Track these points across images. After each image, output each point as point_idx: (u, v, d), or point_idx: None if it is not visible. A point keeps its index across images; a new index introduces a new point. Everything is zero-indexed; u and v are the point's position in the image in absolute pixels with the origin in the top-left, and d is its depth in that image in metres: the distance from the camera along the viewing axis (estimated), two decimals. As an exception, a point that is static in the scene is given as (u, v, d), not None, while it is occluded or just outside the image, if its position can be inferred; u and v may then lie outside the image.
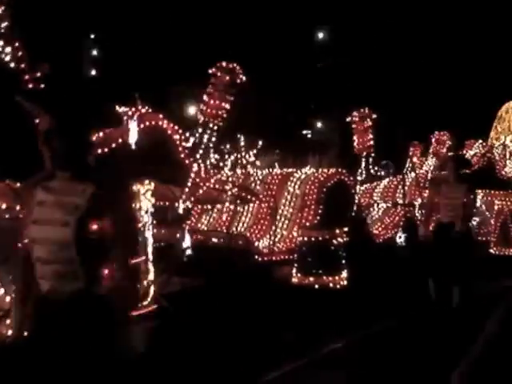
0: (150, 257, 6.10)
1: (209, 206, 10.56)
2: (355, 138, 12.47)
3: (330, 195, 9.48)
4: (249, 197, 8.86)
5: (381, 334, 6.15)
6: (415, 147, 18.06)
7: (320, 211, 9.31)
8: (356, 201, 10.31)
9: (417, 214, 11.72)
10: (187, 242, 7.55)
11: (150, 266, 6.10)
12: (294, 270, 8.44)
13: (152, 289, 6.09)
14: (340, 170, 9.99)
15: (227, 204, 9.58)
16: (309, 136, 25.90)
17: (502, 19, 20.55)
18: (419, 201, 11.78)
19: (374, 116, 12.33)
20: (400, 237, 10.99)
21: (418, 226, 11.52)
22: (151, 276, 6.15)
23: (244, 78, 9.11)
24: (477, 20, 20.60)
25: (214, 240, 8.47)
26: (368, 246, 9.86)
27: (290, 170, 10.33)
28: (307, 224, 9.18)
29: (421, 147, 17.71)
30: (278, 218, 9.63)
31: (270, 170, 10.47)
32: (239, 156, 9.72)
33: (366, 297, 7.55)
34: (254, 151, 10.04)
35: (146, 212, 5.73)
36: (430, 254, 7.10)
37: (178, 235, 7.48)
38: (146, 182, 5.64)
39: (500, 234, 12.14)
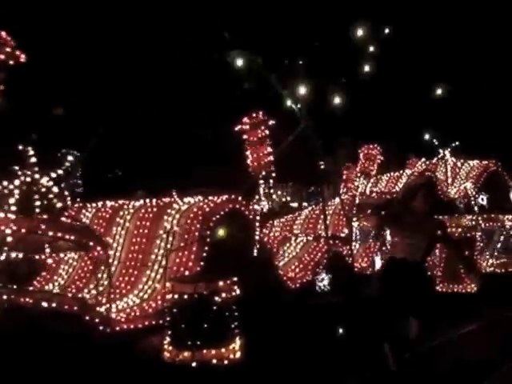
0: None
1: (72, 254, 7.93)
2: (248, 153, 9.77)
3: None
4: (86, 241, 6.10)
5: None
6: (349, 170, 16.28)
7: (204, 254, 6.76)
8: (258, 237, 7.75)
9: (344, 249, 9.30)
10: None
11: None
12: (166, 342, 5.92)
13: None
14: (233, 196, 7.43)
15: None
16: (322, 167, 24.00)
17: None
18: (345, 232, 9.43)
19: (272, 122, 9.56)
20: (322, 279, 8.51)
21: (346, 264, 9.17)
22: None
23: (23, 57, 6.31)
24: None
25: (44, 304, 5.81)
26: (276, 297, 7.35)
27: (169, 199, 7.68)
28: (186, 273, 6.63)
29: (356, 170, 15.81)
30: (150, 265, 7.04)
31: (143, 200, 7.84)
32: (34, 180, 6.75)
33: (270, 374, 5.50)
34: (53, 174, 7.08)
35: None
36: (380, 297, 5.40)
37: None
38: None
39: (446, 268, 9.90)
